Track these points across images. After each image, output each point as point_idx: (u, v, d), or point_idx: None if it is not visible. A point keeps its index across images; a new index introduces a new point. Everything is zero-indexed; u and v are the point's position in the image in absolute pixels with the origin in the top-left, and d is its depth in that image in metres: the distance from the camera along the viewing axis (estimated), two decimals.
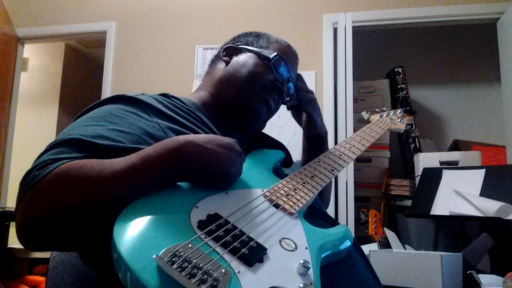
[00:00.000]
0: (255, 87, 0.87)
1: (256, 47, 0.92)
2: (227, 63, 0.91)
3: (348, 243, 0.64)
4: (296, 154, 0.91)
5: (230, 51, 0.93)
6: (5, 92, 2.95)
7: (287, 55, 0.93)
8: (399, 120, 1.18)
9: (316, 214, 0.75)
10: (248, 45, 0.93)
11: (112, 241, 0.48)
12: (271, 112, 0.92)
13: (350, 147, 0.90)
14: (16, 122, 3.09)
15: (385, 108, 1.22)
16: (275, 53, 0.89)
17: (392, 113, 1.20)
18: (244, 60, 0.90)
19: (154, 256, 0.44)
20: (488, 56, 3.26)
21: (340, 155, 0.86)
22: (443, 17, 2.58)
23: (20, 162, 3.39)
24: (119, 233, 0.48)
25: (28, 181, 0.56)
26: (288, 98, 0.95)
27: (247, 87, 0.87)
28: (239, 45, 0.93)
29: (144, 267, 0.44)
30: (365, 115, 1.20)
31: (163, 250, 0.46)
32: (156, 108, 0.73)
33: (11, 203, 2.96)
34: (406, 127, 1.19)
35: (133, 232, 0.48)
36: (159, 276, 0.43)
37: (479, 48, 3.39)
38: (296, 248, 0.56)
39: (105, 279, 0.61)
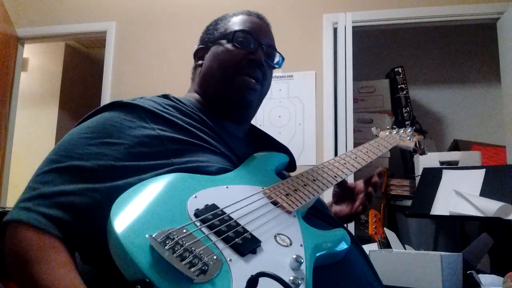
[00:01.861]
0: (230, 73, 0.85)
1: (217, 36, 0.90)
2: (200, 65, 0.91)
3: (344, 246, 0.65)
4: (296, 154, 0.91)
5: (199, 53, 0.92)
6: (5, 92, 2.95)
7: (247, 23, 0.90)
8: (408, 138, 1.19)
9: (316, 215, 0.74)
10: (210, 39, 0.91)
11: (108, 220, 0.49)
12: (257, 91, 0.87)
13: (356, 157, 0.91)
14: (16, 122, 3.09)
15: (395, 126, 1.23)
16: (231, 31, 0.87)
17: (402, 130, 1.21)
18: (211, 54, 0.88)
19: (147, 235, 0.45)
20: (488, 56, 3.26)
21: (345, 163, 0.87)
22: (443, 17, 2.58)
23: (20, 162, 3.39)
24: (116, 212, 0.49)
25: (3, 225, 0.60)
26: (274, 62, 0.92)
27: (223, 77, 0.85)
28: (204, 42, 0.93)
29: (137, 246, 0.45)
30: (374, 130, 1.20)
31: (157, 232, 0.46)
32: (154, 113, 0.72)
33: (11, 203, 2.96)
34: (415, 146, 1.21)
35: (129, 213, 0.49)
36: (152, 255, 0.44)
37: (479, 48, 3.39)
38: (291, 244, 0.56)
39: (104, 278, 0.61)
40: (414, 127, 1.28)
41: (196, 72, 0.93)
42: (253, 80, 0.85)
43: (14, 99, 3.06)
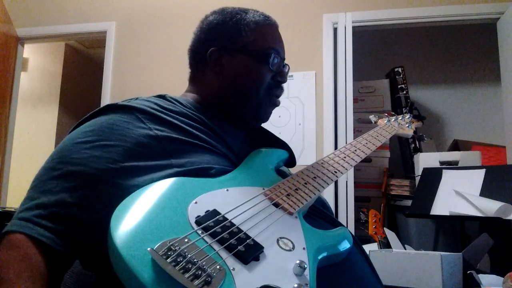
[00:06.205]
0: (260, 93, 0.83)
1: (242, 44, 0.83)
2: (219, 72, 0.84)
3: (347, 245, 0.64)
4: (296, 154, 0.90)
5: (215, 55, 0.83)
6: (5, 92, 2.95)
7: (273, 36, 0.87)
8: (407, 125, 1.18)
9: (317, 215, 0.74)
10: (232, 43, 0.83)
11: (108, 232, 0.48)
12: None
13: (355, 150, 0.89)
14: (16, 122, 3.09)
15: (393, 113, 1.21)
16: (268, 51, 0.83)
17: (400, 118, 1.19)
18: (238, 66, 0.83)
19: (148, 249, 0.45)
20: (488, 56, 3.26)
21: (345, 157, 0.85)
22: (443, 17, 2.58)
23: (20, 162, 3.39)
24: (116, 224, 0.48)
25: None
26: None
27: (252, 96, 0.83)
28: (222, 44, 0.84)
29: (139, 260, 0.44)
30: (372, 118, 1.19)
31: (159, 244, 0.46)
32: (151, 113, 0.71)
33: (11, 203, 2.96)
34: (414, 133, 1.19)
35: (129, 224, 0.49)
36: (153, 269, 0.44)
37: (479, 48, 3.39)
38: (293, 248, 0.55)
39: (104, 281, 0.61)
40: (412, 114, 1.27)
41: (206, 74, 0.86)
42: (278, 100, 0.88)
43: (14, 99, 3.06)
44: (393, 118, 1.17)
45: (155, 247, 0.45)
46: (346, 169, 0.82)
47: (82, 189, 0.60)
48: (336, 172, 0.79)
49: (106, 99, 2.85)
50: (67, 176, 0.61)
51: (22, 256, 0.54)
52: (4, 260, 0.54)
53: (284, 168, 0.88)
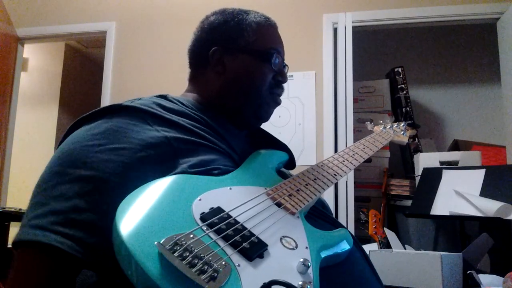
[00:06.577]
0: (262, 92, 0.84)
1: (245, 44, 0.84)
2: (221, 72, 0.84)
3: (347, 246, 0.65)
4: (296, 154, 0.91)
5: (217, 54, 0.84)
6: (5, 92, 2.95)
7: (274, 36, 0.88)
8: (402, 132, 1.22)
9: (318, 216, 0.74)
10: (234, 43, 0.84)
11: (114, 225, 0.48)
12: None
13: (353, 155, 0.92)
14: (16, 122, 3.09)
15: (388, 121, 1.25)
16: (270, 51, 0.84)
17: (395, 125, 1.24)
18: (240, 65, 0.83)
19: (156, 243, 0.45)
20: (488, 56, 3.27)
21: (343, 161, 0.87)
22: (443, 17, 2.58)
23: (20, 162, 3.40)
24: (122, 217, 0.48)
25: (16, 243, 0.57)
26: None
27: (254, 95, 0.84)
28: (223, 44, 0.84)
29: (146, 253, 0.44)
30: (368, 125, 1.23)
31: (165, 238, 0.46)
32: (156, 115, 0.71)
33: (11, 203, 2.96)
34: (408, 141, 1.23)
35: (134, 218, 0.49)
36: (161, 263, 0.44)
37: (479, 48, 3.39)
38: (296, 247, 0.56)
39: (105, 280, 0.61)
40: (407, 122, 1.31)
41: (207, 73, 0.86)
42: (280, 99, 0.89)
43: (14, 99, 3.06)
44: (388, 125, 1.22)
45: (162, 241, 0.45)
46: (345, 172, 0.84)
47: (95, 194, 0.58)
48: (335, 175, 0.81)
49: (106, 99, 2.86)
50: (80, 181, 0.59)
51: (36, 269, 0.54)
52: (15, 273, 0.55)
53: (284, 170, 0.88)
